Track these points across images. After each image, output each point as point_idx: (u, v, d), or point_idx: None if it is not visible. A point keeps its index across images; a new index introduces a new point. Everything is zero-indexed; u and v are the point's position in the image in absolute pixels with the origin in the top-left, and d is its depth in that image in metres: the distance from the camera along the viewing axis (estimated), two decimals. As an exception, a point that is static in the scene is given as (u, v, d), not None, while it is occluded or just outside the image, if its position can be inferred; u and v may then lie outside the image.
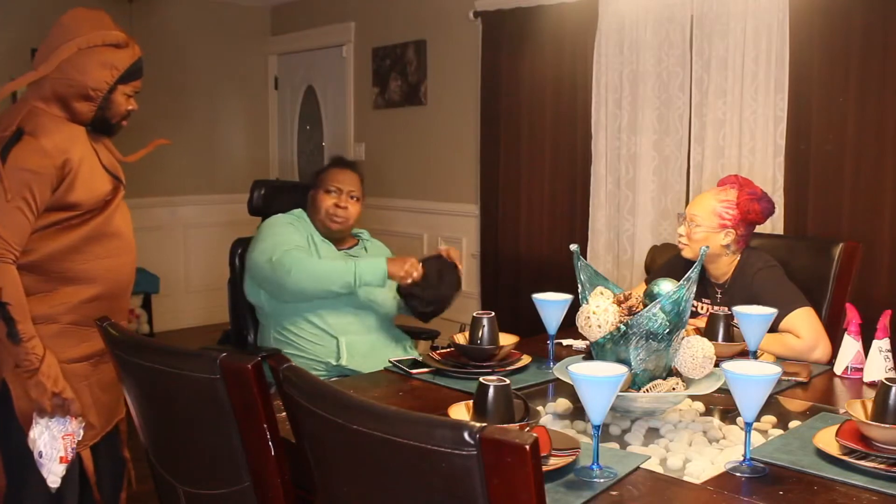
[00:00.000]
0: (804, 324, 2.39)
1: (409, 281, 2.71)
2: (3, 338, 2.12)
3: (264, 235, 2.83)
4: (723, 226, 2.50)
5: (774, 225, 3.51)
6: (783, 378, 2.06)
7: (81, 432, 2.24)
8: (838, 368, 2.25)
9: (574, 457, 1.56)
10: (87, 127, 2.29)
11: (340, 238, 2.91)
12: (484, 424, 1.08)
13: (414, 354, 2.74)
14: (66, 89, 2.22)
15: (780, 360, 2.29)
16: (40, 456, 2.18)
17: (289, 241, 2.77)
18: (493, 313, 2.27)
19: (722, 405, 1.99)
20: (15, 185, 2.13)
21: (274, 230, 2.83)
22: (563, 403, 1.98)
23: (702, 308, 2.62)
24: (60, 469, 2.19)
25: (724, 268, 2.57)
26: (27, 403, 2.20)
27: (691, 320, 2.30)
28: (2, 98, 2.26)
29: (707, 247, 1.98)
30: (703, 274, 2.61)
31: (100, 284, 2.30)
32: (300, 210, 2.96)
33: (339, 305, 2.76)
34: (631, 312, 1.88)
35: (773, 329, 2.35)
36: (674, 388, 1.84)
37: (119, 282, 2.36)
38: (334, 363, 2.71)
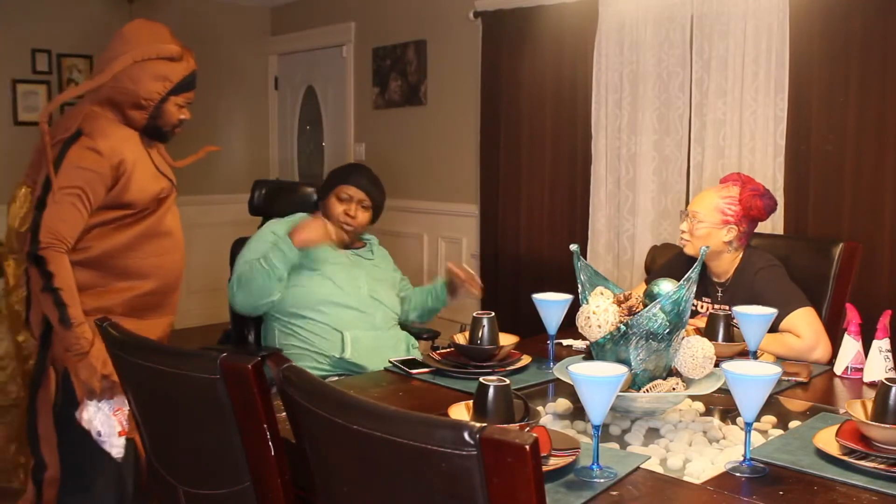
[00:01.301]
0: (804, 324, 2.39)
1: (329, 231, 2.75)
2: (56, 322, 2.23)
3: (243, 250, 2.86)
4: (725, 222, 2.51)
5: (774, 225, 3.51)
6: (783, 378, 2.06)
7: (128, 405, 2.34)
8: (838, 368, 2.25)
9: (574, 457, 1.56)
10: (139, 133, 2.42)
11: (347, 243, 2.93)
12: (484, 424, 1.08)
13: (416, 354, 2.74)
14: (120, 97, 2.35)
15: (780, 359, 2.29)
16: (99, 435, 2.30)
17: (248, 259, 2.77)
18: (493, 313, 2.27)
19: (722, 405, 1.98)
20: (70, 182, 2.25)
21: (249, 247, 2.84)
22: (563, 403, 1.98)
23: (702, 307, 2.62)
24: (121, 441, 2.34)
25: (725, 265, 2.57)
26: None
27: (691, 320, 2.30)
28: (59, 104, 2.38)
29: (707, 246, 1.98)
30: (704, 272, 2.61)
31: (152, 281, 2.43)
32: (303, 214, 2.96)
33: (342, 302, 2.76)
34: (631, 312, 1.88)
35: (774, 328, 2.35)
36: (674, 388, 1.84)
37: (169, 278, 2.49)
38: (338, 356, 2.71)
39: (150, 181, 2.41)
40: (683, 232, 2.57)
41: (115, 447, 2.33)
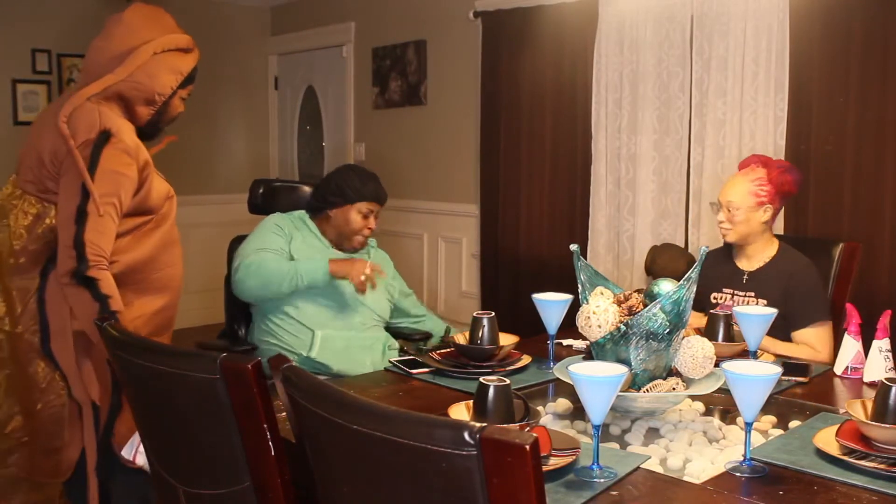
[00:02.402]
0: (824, 341, 2.50)
1: (363, 280, 2.69)
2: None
3: (248, 238, 2.89)
4: (760, 203, 2.57)
5: (775, 225, 3.51)
6: (783, 378, 2.06)
7: None
8: (838, 368, 2.25)
9: (574, 457, 1.56)
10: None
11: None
12: (484, 424, 1.07)
13: (392, 355, 2.73)
14: (132, 92, 2.18)
15: (780, 359, 2.29)
16: None
17: (259, 247, 2.79)
18: (493, 313, 2.27)
19: (722, 405, 1.99)
20: (107, 189, 2.08)
21: (256, 236, 2.87)
22: (563, 403, 1.98)
23: (722, 298, 2.63)
24: None
25: (759, 249, 2.63)
26: (124, 426, 2.16)
27: (711, 312, 2.32)
28: (83, 101, 2.14)
29: (707, 247, 1.97)
30: (728, 260, 2.68)
31: (167, 293, 2.29)
32: (302, 212, 2.97)
33: (319, 300, 2.77)
34: (631, 312, 1.88)
35: (789, 328, 2.49)
36: (674, 388, 1.84)
37: (179, 290, 2.35)
38: (305, 354, 2.72)
39: (159, 182, 2.27)
40: (722, 222, 2.62)
41: None
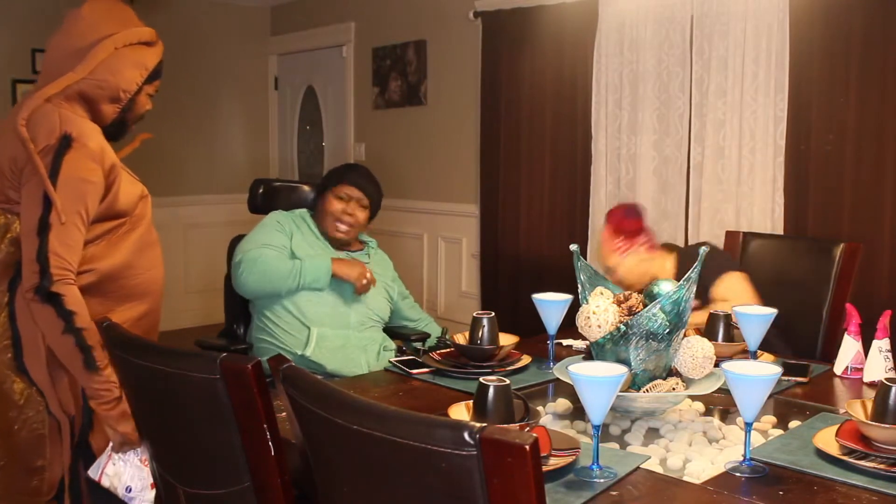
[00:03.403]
0: (732, 289, 2.51)
1: (365, 283, 2.76)
2: (78, 368, 1.97)
3: (249, 235, 2.89)
4: (624, 252, 2.60)
5: (775, 225, 3.51)
6: (783, 378, 2.06)
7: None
8: (838, 368, 2.25)
9: (574, 457, 1.56)
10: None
11: (346, 242, 2.94)
12: (484, 424, 1.07)
13: (389, 356, 2.74)
14: (95, 91, 2.07)
15: (779, 359, 2.29)
16: (129, 490, 2.03)
17: (262, 242, 2.81)
18: (493, 313, 2.27)
19: (722, 405, 1.99)
20: (71, 198, 1.96)
21: (258, 232, 2.88)
22: (563, 403, 1.98)
23: None
24: (152, 495, 2.04)
25: (661, 267, 2.64)
26: (103, 440, 2.09)
27: (711, 312, 2.32)
28: (40, 103, 2.02)
29: (707, 248, 1.97)
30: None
31: (149, 298, 2.20)
32: (304, 210, 2.97)
33: (317, 298, 2.77)
34: (631, 312, 1.88)
35: (706, 290, 2.51)
36: (674, 388, 1.84)
37: (160, 293, 2.25)
38: (300, 353, 2.72)
39: (130, 183, 2.16)
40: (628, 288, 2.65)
41: (146, 502, 2.03)
